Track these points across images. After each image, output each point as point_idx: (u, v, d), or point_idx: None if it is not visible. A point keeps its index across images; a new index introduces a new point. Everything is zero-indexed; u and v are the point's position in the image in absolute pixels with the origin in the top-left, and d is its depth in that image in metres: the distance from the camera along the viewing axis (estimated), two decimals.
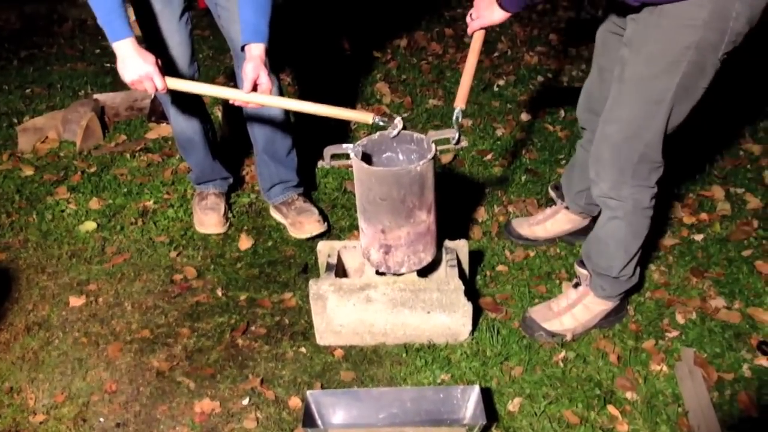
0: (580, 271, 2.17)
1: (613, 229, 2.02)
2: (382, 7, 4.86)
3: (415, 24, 4.66)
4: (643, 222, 2.02)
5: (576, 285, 2.20)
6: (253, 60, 2.06)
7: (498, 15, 1.92)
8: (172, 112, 2.54)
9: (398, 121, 2.03)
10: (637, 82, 1.80)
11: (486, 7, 1.94)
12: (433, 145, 1.98)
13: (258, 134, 2.57)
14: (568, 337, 2.12)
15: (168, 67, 2.39)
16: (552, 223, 2.54)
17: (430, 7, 4.92)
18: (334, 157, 2.04)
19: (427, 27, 4.61)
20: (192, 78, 2.47)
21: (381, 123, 2.03)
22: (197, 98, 2.55)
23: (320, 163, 2.05)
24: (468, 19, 2.02)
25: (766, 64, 3.90)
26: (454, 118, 2.01)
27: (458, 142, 2.02)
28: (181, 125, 2.57)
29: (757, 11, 1.67)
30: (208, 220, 2.69)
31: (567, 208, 2.51)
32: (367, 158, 2.06)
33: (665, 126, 1.83)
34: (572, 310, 2.14)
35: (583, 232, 2.48)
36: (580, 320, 2.13)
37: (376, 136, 2.08)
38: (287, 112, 2.54)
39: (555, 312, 2.15)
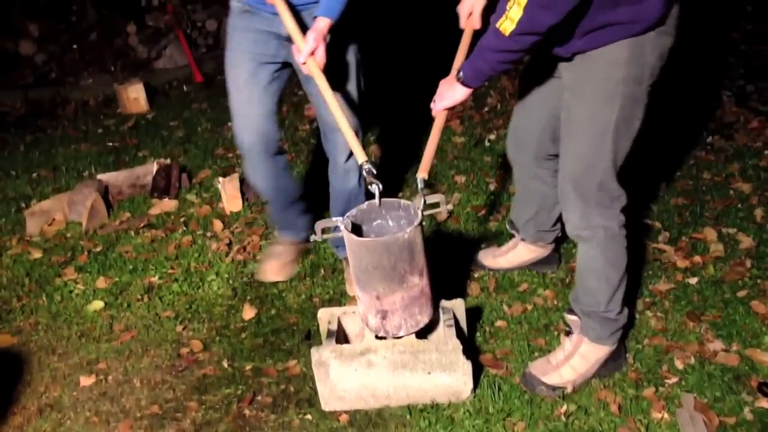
0: (570, 318, 2.28)
1: (591, 262, 2.15)
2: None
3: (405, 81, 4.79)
4: (618, 250, 2.14)
5: (568, 333, 2.28)
6: (316, 31, 2.17)
7: (461, 93, 2.05)
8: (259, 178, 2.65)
9: (374, 188, 2.11)
10: (583, 120, 2.01)
11: (448, 88, 2.07)
12: (420, 212, 2.05)
13: (335, 207, 2.72)
14: (569, 389, 2.15)
15: (250, 134, 2.51)
16: (513, 254, 2.73)
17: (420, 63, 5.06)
18: (325, 230, 2.11)
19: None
20: (278, 145, 2.59)
21: (366, 172, 2.10)
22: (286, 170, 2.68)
23: (312, 237, 2.12)
24: (432, 104, 2.15)
25: (747, 104, 4.00)
26: (419, 186, 2.09)
27: (425, 209, 2.08)
28: (261, 186, 2.69)
29: (664, 49, 1.95)
30: (268, 267, 2.84)
31: (523, 239, 2.68)
32: (358, 228, 2.13)
33: (613, 155, 2.02)
34: (570, 361, 2.19)
35: (547, 261, 2.72)
36: (578, 371, 2.18)
37: (364, 206, 2.16)
38: (362, 188, 2.64)
39: (554, 365, 2.19)
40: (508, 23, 1.79)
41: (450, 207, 2.14)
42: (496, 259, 2.77)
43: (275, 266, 2.84)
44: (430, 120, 2.18)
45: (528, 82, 2.29)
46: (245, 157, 2.60)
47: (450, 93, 2.07)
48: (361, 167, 2.14)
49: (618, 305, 2.17)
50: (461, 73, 2.01)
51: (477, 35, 2.18)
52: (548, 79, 2.18)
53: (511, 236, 2.80)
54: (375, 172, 2.13)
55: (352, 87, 2.51)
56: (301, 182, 3.59)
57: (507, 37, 1.82)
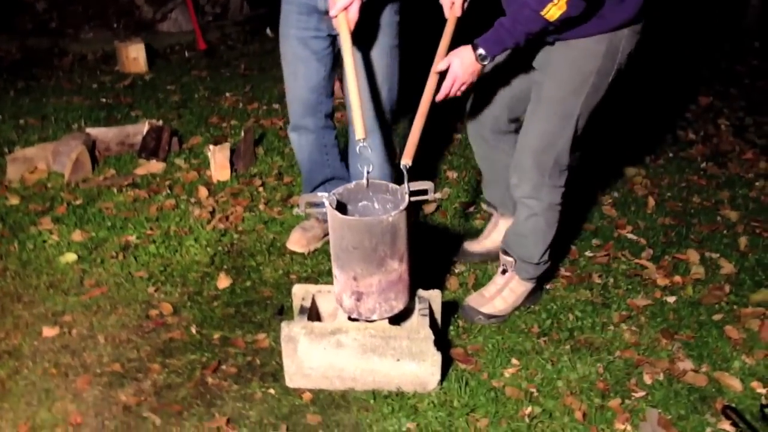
0: (506, 258, 2.48)
1: (533, 226, 2.37)
2: None
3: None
4: (555, 216, 2.39)
5: (504, 271, 2.49)
6: None
7: (477, 71, 2.13)
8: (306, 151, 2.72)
9: (364, 168, 2.07)
10: (552, 102, 2.20)
11: (468, 67, 2.10)
12: (407, 197, 2.02)
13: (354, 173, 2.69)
14: (503, 318, 2.46)
15: (296, 106, 2.61)
16: (497, 233, 2.77)
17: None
18: (309, 205, 2.07)
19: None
20: (325, 119, 2.67)
21: (359, 149, 2.06)
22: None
23: (295, 211, 2.08)
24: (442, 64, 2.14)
25: (744, 136, 4.01)
26: (404, 173, 2.05)
27: (411, 195, 2.05)
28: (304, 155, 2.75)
29: (631, 52, 2.17)
30: (292, 236, 2.85)
31: (502, 215, 2.76)
32: (343, 207, 2.10)
33: (573, 136, 2.24)
34: (501, 293, 2.46)
35: None
36: (508, 302, 2.46)
37: (352, 185, 2.13)
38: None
39: (487, 297, 2.47)
40: (555, 10, 1.95)
41: (438, 195, 2.13)
42: (481, 243, 2.82)
43: (299, 237, 2.84)
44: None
45: (495, 67, 2.37)
46: (292, 125, 2.68)
47: (468, 70, 2.11)
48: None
49: (548, 256, 2.45)
50: (484, 52, 2.07)
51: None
52: (517, 65, 2.33)
53: (489, 217, 2.87)
54: (370, 150, 2.10)
55: (380, 60, 2.47)
56: (285, 161, 3.56)
57: (550, 21, 1.98)
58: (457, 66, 2.11)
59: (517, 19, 2.03)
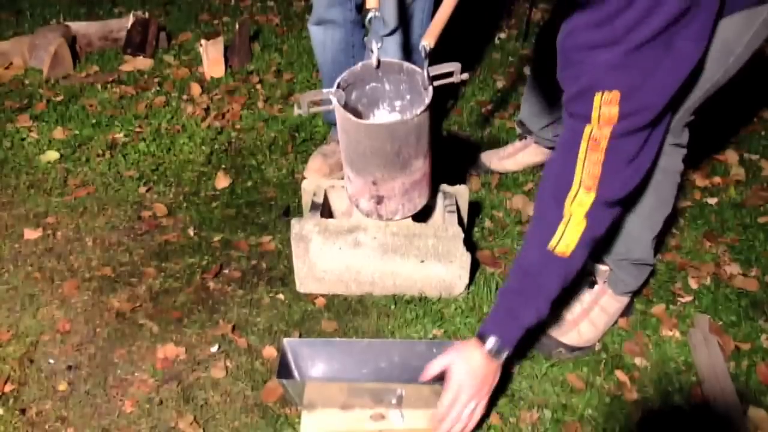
0: (599, 267, 1.86)
1: (642, 208, 1.66)
2: None
3: None
4: (672, 189, 1.70)
5: (592, 284, 1.87)
6: None
7: (492, 367, 1.53)
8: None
9: (374, 44, 1.73)
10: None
11: (475, 369, 1.51)
12: (430, 87, 1.67)
13: None
14: (595, 347, 1.82)
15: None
16: (523, 155, 2.48)
17: None
18: (312, 104, 1.72)
19: None
20: (357, 14, 2.28)
21: (368, 21, 1.72)
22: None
23: (296, 111, 1.73)
24: None
25: None
26: (422, 55, 1.64)
27: (436, 79, 1.70)
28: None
29: None
30: (312, 163, 2.45)
31: (536, 142, 2.44)
32: (348, 94, 1.78)
33: (725, 76, 1.49)
34: (589, 315, 1.83)
35: None
36: (599, 326, 1.82)
37: (358, 67, 1.76)
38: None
39: (569, 321, 1.82)
40: (569, 236, 1.44)
41: (465, 76, 1.77)
42: (502, 161, 2.49)
43: (320, 164, 2.45)
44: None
45: None
46: (315, 18, 2.29)
47: (479, 379, 1.51)
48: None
49: (653, 251, 1.77)
50: (496, 341, 1.51)
51: None
52: None
53: (519, 137, 2.51)
54: (387, 29, 1.77)
55: None
56: (283, 59, 3.27)
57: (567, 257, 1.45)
58: (462, 374, 1.48)
59: (526, 272, 1.50)
